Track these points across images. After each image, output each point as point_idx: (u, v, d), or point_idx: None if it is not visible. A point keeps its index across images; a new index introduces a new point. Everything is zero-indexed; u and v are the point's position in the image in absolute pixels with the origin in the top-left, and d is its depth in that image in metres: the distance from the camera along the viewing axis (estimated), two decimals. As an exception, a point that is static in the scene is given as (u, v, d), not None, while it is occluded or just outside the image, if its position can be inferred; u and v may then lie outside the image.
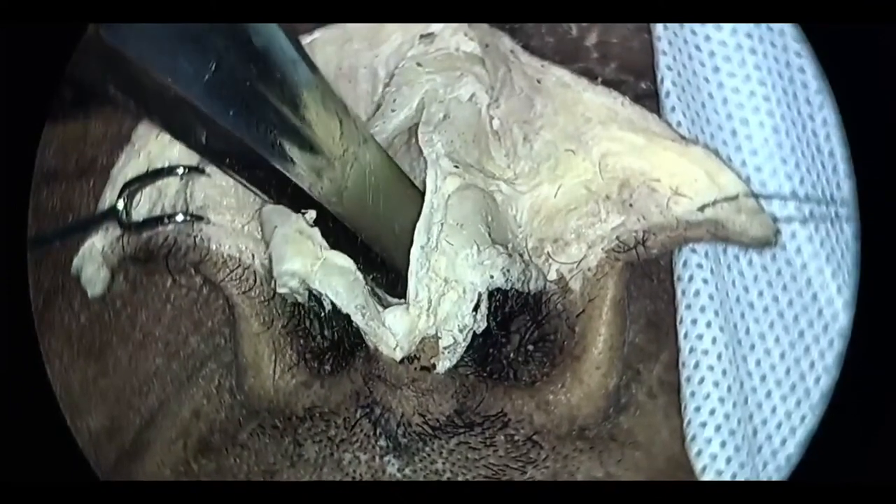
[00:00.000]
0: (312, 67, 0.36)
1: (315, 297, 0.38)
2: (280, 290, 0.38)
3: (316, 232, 0.38)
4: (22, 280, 0.39)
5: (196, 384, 0.41)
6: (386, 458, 0.38)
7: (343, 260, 0.38)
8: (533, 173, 0.40)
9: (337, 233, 0.38)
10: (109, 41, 0.30)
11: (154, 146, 0.40)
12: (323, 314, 0.39)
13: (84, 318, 0.42)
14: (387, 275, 0.40)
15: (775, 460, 0.38)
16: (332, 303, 0.37)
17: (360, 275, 0.38)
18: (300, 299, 0.39)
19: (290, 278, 0.37)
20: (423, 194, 0.38)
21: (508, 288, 0.38)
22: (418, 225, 0.37)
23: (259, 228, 0.40)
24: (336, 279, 0.37)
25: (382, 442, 0.38)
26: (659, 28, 0.38)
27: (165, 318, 0.41)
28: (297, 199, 0.38)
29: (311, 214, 0.38)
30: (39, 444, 0.37)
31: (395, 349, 0.37)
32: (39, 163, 0.41)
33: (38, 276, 0.42)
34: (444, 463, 0.38)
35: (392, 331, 0.37)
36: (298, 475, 0.39)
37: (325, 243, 0.38)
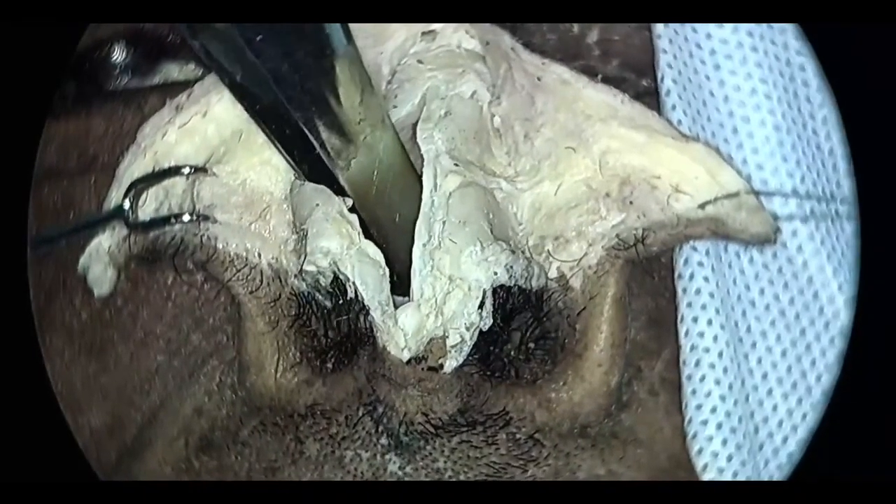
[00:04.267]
0: (348, 35, 0.35)
1: (337, 283, 0.38)
2: (307, 268, 0.38)
3: (356, 219, 0.38)
4: (21, 278, 0.38)
5: (197, 381, 0.41)
6: (387, 457, 0.38)
7: (375, 252, 0.38)
8: (534, 171, 0.40)
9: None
10: None
11: (160, 146, 0.40)
12: (329, 308, 0.39)
13: (85, 315, 0.42)
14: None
15: (776, 458, 0.38)
16: (356, 292, 0.37)
17: (387, 270, 0.38)
18: (322, 281, 0.39)
19: (323, 257, 0.37)
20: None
21: (512, 284, 0.37)
22: (418, 223, 0.37)
23: (290, 206, 0.40)
24: (367, 269, 0.37)
25: (384, 440, 0.38)
26: (659, 26, 0.38)
27: (167, 315, 0.41)
28: (316, 168, 0.38)
29: (349, 202, 0.38)
30: (39, 444, 0.37)
31: (403, 350, 0.37)
32: (40, 160, 0.41)
33: (39, 273, 0.42)
34: (445, 461, 0.38)
35: (404, 330, 0.37)
36: (300, 473, 0.38)
37: (361, 232, 0.38)
